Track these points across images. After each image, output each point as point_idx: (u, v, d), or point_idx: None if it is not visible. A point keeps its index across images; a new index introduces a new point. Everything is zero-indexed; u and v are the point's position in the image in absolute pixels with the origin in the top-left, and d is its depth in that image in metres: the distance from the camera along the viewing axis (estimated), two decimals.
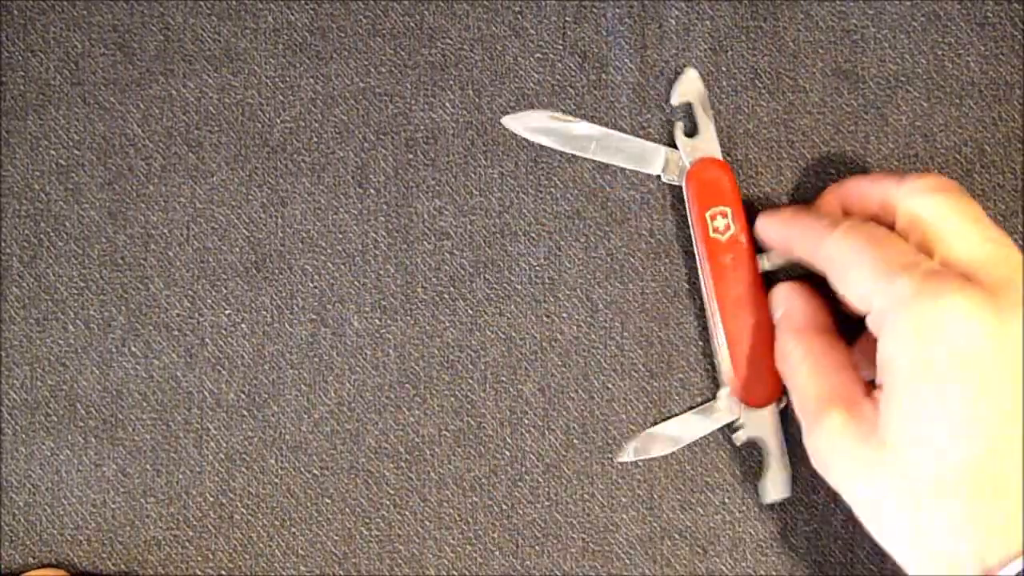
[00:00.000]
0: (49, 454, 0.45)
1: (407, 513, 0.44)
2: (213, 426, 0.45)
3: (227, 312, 0.45)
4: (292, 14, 0.46)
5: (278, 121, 0.45)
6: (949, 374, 0.34)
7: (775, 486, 0.43)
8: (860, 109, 0.45)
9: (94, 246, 0.45)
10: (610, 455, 0.44)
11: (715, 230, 0.43)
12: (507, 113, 0.45)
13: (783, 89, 0.45)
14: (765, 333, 0.42)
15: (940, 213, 0.37)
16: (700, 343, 0.44)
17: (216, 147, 0.45)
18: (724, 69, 0.45)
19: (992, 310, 0.34)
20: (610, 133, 0.44)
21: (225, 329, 0.45)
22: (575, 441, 0.44)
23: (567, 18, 0.45)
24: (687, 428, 0.43)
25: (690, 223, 0.43)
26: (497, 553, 0.44)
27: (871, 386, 0.37)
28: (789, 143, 0.45)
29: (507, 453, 0.44)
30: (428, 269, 0.45)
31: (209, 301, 0.45)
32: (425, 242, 0.45)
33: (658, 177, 0.44)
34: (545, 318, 0.45)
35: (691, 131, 0.44)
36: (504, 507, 0.44)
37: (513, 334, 0.45)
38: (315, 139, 0.45)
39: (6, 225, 0.45)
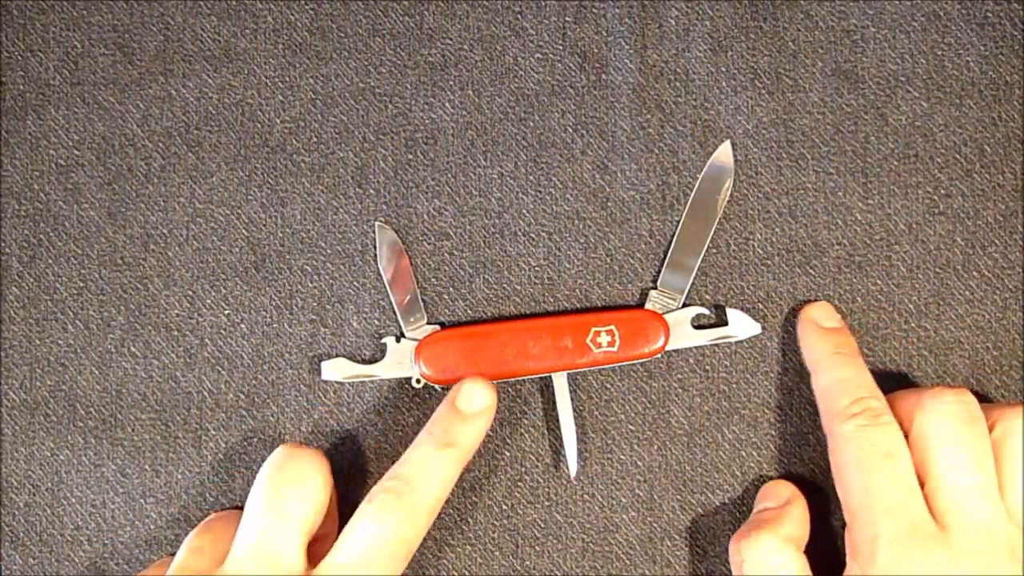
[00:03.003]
0: (49, 454, 0.45)
1: None
2: (212, 426, 0.45)
3: (226, 312, 0.45)
4: (292, 14, 0.46)
5: (278, 121, 0.45)
6: None
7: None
8: (860, 109, 0.45)
9: (93, 246, 0.45)
10: (609, 455, 0.44)
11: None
12: (507, 113, 0.45)
13: (783, 89, 0.45)
14: None
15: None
16: (699, 344, 0.44)
17: (216, 147, 0.45)
18: (724, 69, 0.45)
19: None
20: None
21: (224, 329, 0.45)
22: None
23: (567, 18, 0.45)
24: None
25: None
26: (497, 553, 0.44)
27: None
28: (789, 143, 0.45)
29: (507, 453, 0.44)
30: (428, 269, 0.45)
31: (208, 301, 0.45)
32: (425, 242, 0.45)
33: (660, 181, 0.45)
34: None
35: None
36: (504, 507, 0.44)
37: None
38: (315, 139, 0.45)
39: (6, 225, 0.45)
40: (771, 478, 0.44)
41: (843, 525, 0.39)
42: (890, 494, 0.38)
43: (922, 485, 0.39)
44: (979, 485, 0.38)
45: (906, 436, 0.40)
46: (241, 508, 0.44)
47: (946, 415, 0.39)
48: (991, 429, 0.39)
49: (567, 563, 0.44)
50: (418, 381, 0.44)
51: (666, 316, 0.44)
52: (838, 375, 0.41)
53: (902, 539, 0.37)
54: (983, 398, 0.44)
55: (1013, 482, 0.38)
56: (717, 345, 0.44)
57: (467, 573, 0.44)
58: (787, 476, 0.44)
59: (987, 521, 0.37)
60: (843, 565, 0.39)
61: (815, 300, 0.44)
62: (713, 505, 0.44)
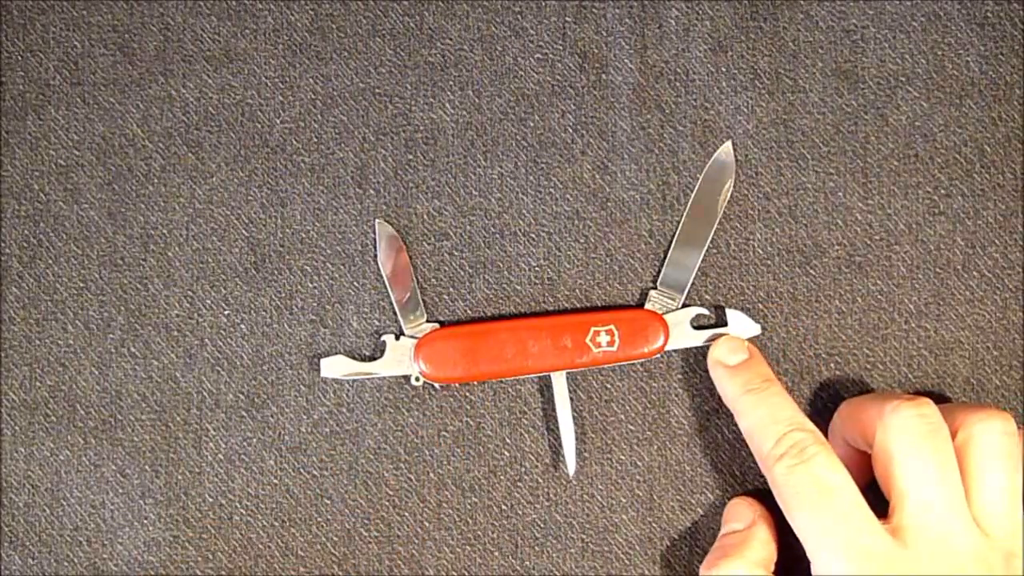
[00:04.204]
0: (49, 454, 0.45)
1: (406, 514, 0.44)
2: (212, 427, 0.45)
3: (226, 312, 0.45)
4: (292, 14, 0.46)
5: (278, 121, 0.45)
6: None
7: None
8: (860, 109, 0.45)
9: (94, 246, 0.45)
10: (609, 455, 0.44)
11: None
12: (507, 113, 0.45)
13: (783, 89, 0.45)
14: None
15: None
16: (699, 344, 0.44)
17: (216, 147, 0.45)
18: (724, 69, 0.45)
19: None
20: None
21: (224, 329, 0.45)
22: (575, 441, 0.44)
23: (567, 18, 0.45)
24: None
25: None
26: (497, 553, 0.44)
27: None
28: (789, 143, 0.45)
29: (507, 453, 0.44)
30: (428, 269, 0.45)
31: (208, 301, 0.45)
32: (425, 242, 0.45)
33: (660, 181, 0.45)
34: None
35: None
36: (504, 507, 0.44)
37: None
38: (315, 139, 0.45)
39: (6, 225, 0.45)
40: (739, 496, 0.44)
41: None
42: (838, 528, 0.37)
43: (888, 497, 0.39)
44: (942, 498, 0.37)
45: (871, 445, 0.40)
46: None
47: (905, 430, 0.38)
48: (953, 434, 0.39)
49: (567, 563, 0.44)
50: (417, 379, 0.44)
51: (666, 316, 0.44)
52: (754, 417, 0.41)
53: (861, 569, 0.37)
54: (942, 398, 0.44)
55: (979, 489, 0.38)
56: None
57: (467, 573, 0.44)
58: (756, 492, 0.44)
59: (951, 534, 0.37)
60: None
61: (815, 300, 0.44)
62: (713, 505, 0.44)
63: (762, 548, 0.41)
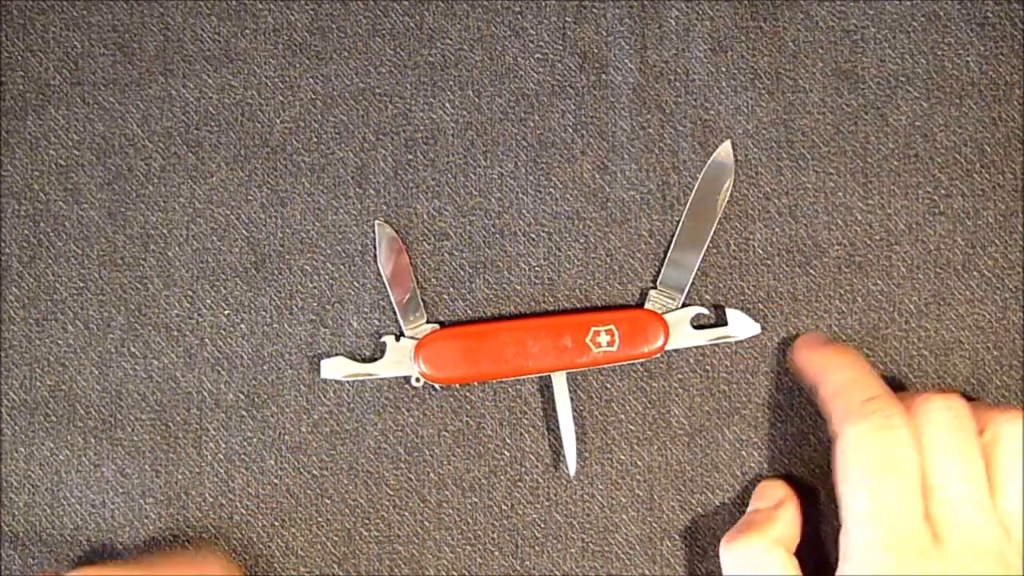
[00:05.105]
0: (49, 454, 0.45)
1: (406, 514, 0.44)
2: (212, 426, 0.45)
3: (226, 312, 0.45)
4: (292, 14, 0.46)
5: (278, 121, 0.45)
6: None
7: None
8: (860, 109, 0.45)
9: (93, 246, 0.45)
10: (609, 455, 0.44)
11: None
12: (507, 113, 0.45)
13: (783, 89, 0.45)
14: None
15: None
16: (699, 343, 0.44)
17: (216, 147, 0.45)
18: (724, 69, 0.45)
19: None
20: None
21: (224, 329, 0.45)
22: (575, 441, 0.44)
23: (567, 18, 0.45)
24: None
25: None
26: (497, 553, 0.44)
27: None
28: (789, 143, 0.45)
29: (507, 453, 0.44)
30: (428, 269, 0.45)
31: (208, 301, 0.45)
32: (425, 242, 0.45)
33: (660, 181, 0.45)
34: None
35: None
36: (504, 507, 0.44)
37: None
38: (315, 139, 0.45)
39: (6, 225, 0.45)
40: (770, 478, 0.44)
41: (839, 527, 0.39)
42: (896, 503, 0.37)
43: None
44: (969, 495, 0.38)
45: None
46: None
47: (936, 423, 0.38)
48: (980, 432, 0.39)
49: (567, 563, 0.44)
50: (417, 380, 0.44)
51: (666, 316, 0.44)
52: (848, 375, 0.41)
53: (899, 548, 0.37)
54: (971, 398, 0.44)
55: (1003, 488, 0.38)
56: (717, 345, 0.44)
57: (467, 573, 0.44)
58: (786, 476, 0.44)
59: (977, 532, 0.37)
60: (836, 567, 0.39)
61: (815, 300, 0.44)
62: (713, 505, 0.44)
63: (785, 528, 0.41)
